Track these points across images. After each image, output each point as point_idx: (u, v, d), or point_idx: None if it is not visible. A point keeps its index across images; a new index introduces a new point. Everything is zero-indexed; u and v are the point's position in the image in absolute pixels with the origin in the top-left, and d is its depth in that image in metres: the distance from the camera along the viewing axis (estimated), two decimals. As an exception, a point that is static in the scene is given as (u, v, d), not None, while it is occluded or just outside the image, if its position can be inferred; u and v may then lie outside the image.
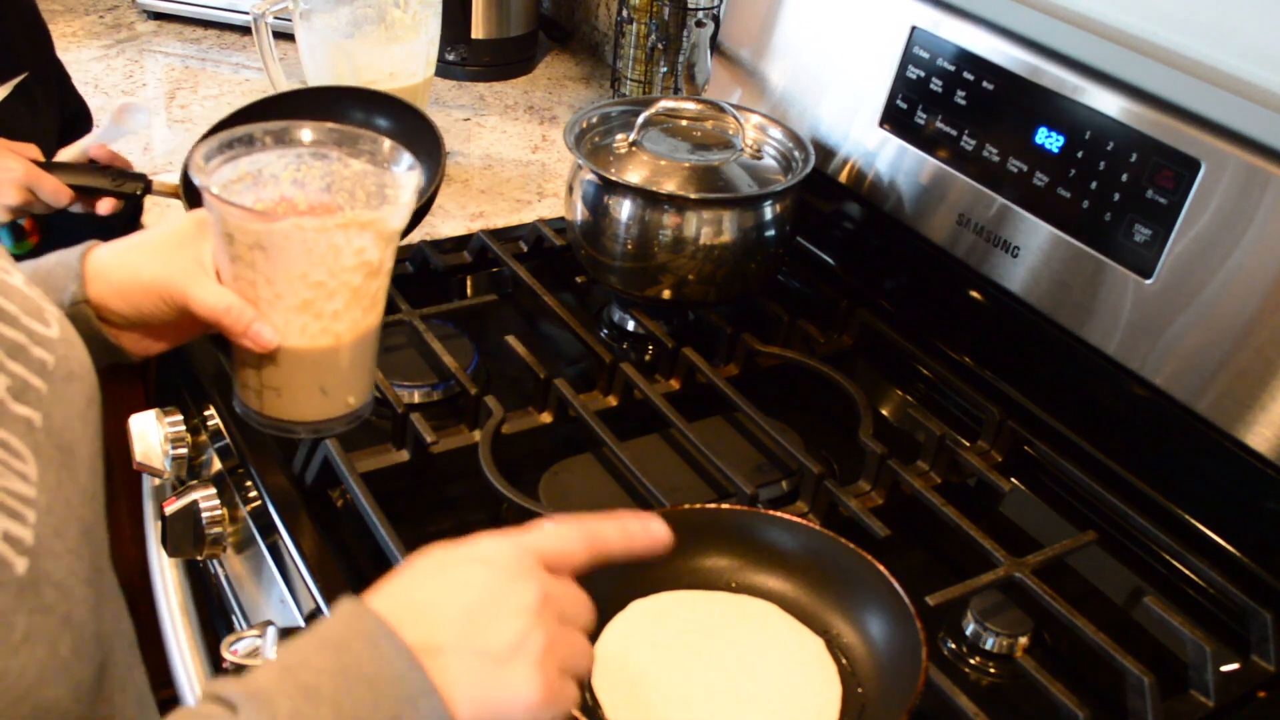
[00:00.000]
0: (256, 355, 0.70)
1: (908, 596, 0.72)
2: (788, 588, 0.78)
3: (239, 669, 0.67)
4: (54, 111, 1.29)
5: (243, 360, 0.72)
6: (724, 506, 0.81)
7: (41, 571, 0.46)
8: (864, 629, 0.75)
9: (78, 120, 1.37)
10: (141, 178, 1.13)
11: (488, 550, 0.54)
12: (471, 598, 0.51)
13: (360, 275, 0.68)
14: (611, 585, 0.76)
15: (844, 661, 0.74)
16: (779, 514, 0.79)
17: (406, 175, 0.70)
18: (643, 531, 0.59)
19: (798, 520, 0.79)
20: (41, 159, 1.10)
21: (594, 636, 0.74)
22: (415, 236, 1.27)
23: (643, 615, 0.76)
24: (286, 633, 0.67)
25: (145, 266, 0.70)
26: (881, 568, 0.74)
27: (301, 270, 0.66)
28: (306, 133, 0.71)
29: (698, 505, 0.81)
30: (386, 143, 0.71)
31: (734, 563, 0.79)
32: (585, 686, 0.71)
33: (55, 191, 1.08)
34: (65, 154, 1.15)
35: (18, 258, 0.64)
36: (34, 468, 0.48)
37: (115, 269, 0.70)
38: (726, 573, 0.79)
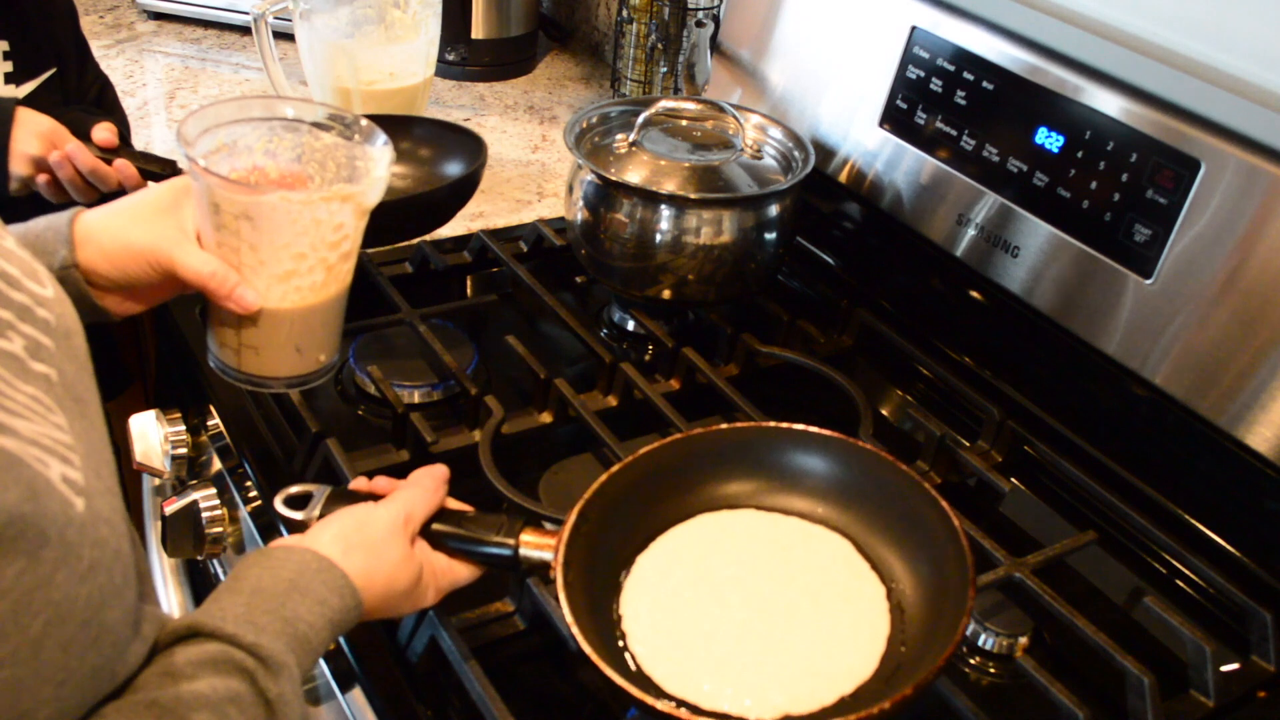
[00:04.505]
0: (236, 316, 0.74)
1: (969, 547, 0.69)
2: (868, 533, 0.76)
3: (294, 526, 0.73)
4: (85, 103, 1.28)
5: (221, 320, 0.76)
6: (837, 435, 0.79)
7: (94, 509, 0.49)
8: (921, 582, 0.73)
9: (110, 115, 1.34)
10: (171, 164, 1.12)
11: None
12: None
13: (338, 248, 0.74)
14: (686, 494, 0.78)
15: (897, 616, 0.72)
16: (871, 447, 0.78)
17: (380, 151, 0.75)
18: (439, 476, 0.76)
19: (885, 456, 0.77)
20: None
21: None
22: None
23: (714, 527, 0.77)
24: (338, 494, 0.74)
25: (133, 233, 0.73)
26: (955, 520, 0.71)
27: (285, 240, 0.71)
28: (285, 108, 0.76)
29: (797, 425, 0.80)
30: (364, 120, 0.76)
31: (821, 490, 0.78)
32: (614, 613, 0.71)
33: (79, 149, 1.05)
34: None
35: None
36: (63, 419, 0.51)
37: (104, 234, 0.73)
38: (817, 493, 0.78)
